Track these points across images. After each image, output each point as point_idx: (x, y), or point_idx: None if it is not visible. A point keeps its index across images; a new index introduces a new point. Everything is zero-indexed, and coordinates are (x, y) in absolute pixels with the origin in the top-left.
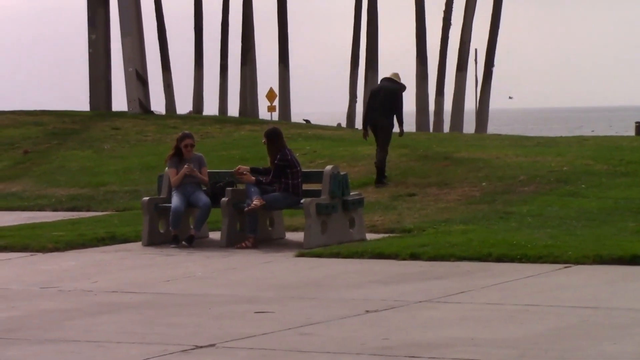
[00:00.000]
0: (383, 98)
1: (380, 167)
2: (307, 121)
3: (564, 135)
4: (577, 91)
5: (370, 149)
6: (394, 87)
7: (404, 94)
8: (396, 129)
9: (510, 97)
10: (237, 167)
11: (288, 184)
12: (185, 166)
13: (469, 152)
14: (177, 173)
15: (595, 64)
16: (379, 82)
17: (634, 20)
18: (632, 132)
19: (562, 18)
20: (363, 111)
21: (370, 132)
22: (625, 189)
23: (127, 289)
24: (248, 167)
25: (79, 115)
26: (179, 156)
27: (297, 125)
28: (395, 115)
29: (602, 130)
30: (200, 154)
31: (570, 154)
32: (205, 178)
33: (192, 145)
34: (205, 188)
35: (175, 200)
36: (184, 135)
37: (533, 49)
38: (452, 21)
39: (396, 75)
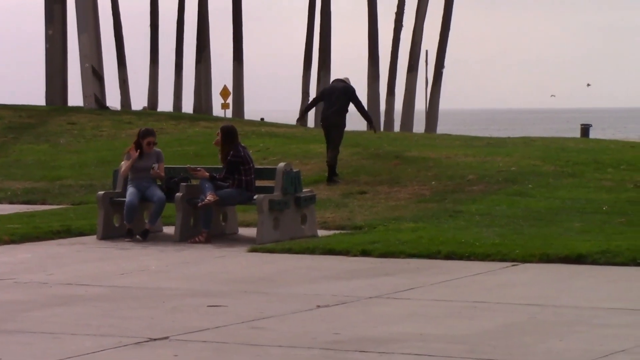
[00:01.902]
0: (337, 98)
1: (332, 165)
2: (262, 119)
3: (512, 136)
4: (526, 93)
5: (322, 147)
6: (347, 86)
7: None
8: (354, 127)
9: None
10: (196, 167)
11: (241, 180)
12: (133, 158)
13: (419, 151)
14: (126, 164)
15: (542, 67)
16: (331, 83)
17: (577, 28)
18: (577, 134)
19: (508, 22)
20: (310, 101)
21: (309, 126)
22: (571, 189)
23: (82, 281)
24: (206, 174)
25: (35, 110)
26: (137, 149)
27: (251, 122)
28: (359, 111)
29: (546, 132)
30: (159, 150)
31: (518, 154)
32: (162, 174)
33: (154, 143)
34: (160, 183)
35: (130, 195)
36: (147, 132)
37: (482, 52)
38: (404, 23)
39: (346, 79)
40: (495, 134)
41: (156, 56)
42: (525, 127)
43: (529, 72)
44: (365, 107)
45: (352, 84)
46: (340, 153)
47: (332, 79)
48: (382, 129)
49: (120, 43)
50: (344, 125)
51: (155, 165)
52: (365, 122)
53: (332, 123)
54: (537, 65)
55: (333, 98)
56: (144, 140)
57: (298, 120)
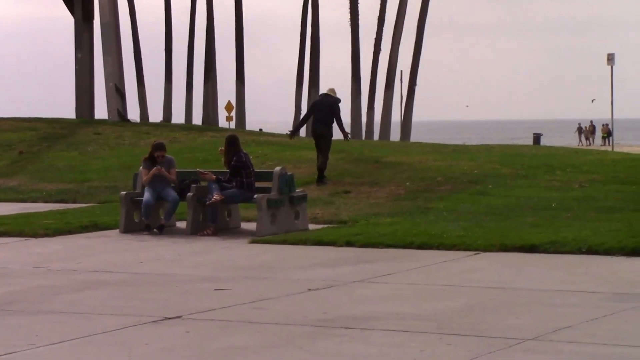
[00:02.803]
0: (324, 113)
1: (322, 169)
2: (261, 130)
3: (475, 143)
4: (486, 106)
5: (312, 154)
6: (333, 100)
7: (340, 105)
8: (339, 135)
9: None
10: (206, 171)
11: (243, 182)
12: (155, 168)
13: (395, 157)
14: (148, 173)
15: (501, 84)
16: (319, 96)
17: (526, 50)
18: (530, 142)
19: (473, 46)
20: (302, 117)
21: (300, 138)
22: (526, 189)
23: (107, 269)
24: (213, 177)
25: (66, 122)
26: (152, 160)
27: (251, 132)
28: (337, 125)
29: (503, 140)
30: (171, 157)
31: (480, 159)
32: (173, 177)
33: (163, 156)
34: (173, 185)
35: (146, 195)
36: (157, 146)
37: (449, 72)
38: (382, 47)
39: (332, 90)
40: (460, 142)
41: (170, 76)
42: (485, 135)
43: (489, 88)
44: (343, 122)
45: (338, 96)
46: (329, 159)
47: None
48: (363, 137)
49: (139, 64)
50: (331, 135)
51: (161, 167)
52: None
53: (320, 134)
54: (496, 82)
55: (321, 112)
56: (155, 153)
57: (290, 135)
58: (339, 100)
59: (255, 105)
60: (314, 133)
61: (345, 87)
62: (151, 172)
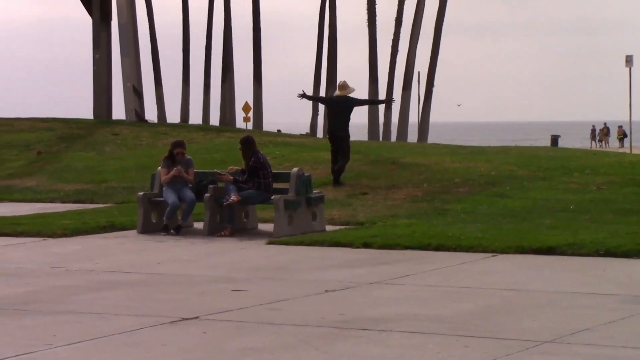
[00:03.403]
0: (339, 113)
1: (340, 171)
2: (279, 131)
3: (492, 145)
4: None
5: (329, 155)
6: (346, 99)
7: (353, 95)
8: (355, 137)
9: (459, 104)
10: (229, 168)
11: (260, 183)
12: (175, 168)
13: (412, 158)
14: (167, 173)
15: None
16: (334, 96)
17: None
18: (547, 143)
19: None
20: (318, 96)
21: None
22: (543, 191)
23: (125, 269)
24: (238, 168)
25: (84, 123)
26: (171, 159)
27: (269, 133)
28: (372, 104)
29: (521, 142)
30: (190, 157)
31: (497, 161)
32: (191, 178)
33: (183, 153)
34: (191, 186)
35: (171, 197)
36: (177, 144)
37: (466, 73)
38: (399, 49)
39: (343, 84)
40: (477, 143)
41: (187, 76)
42: (501, 136)
43: (505, 89)
44: (367, 120)
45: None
46: (349, 159)
47: None
48: (380, 138)
49: (157, 65)
50: (349, 137)
51: (180, 167)
52: (365, 134)
53: (338, 137)
54: (512, 84)
55: (336, 112)
56: (174, 150)
57: (301, 95)
58: (351, 93)
59: (272, 106)
60: (331, 135)
61: (362, 88)
62: (171, 172)
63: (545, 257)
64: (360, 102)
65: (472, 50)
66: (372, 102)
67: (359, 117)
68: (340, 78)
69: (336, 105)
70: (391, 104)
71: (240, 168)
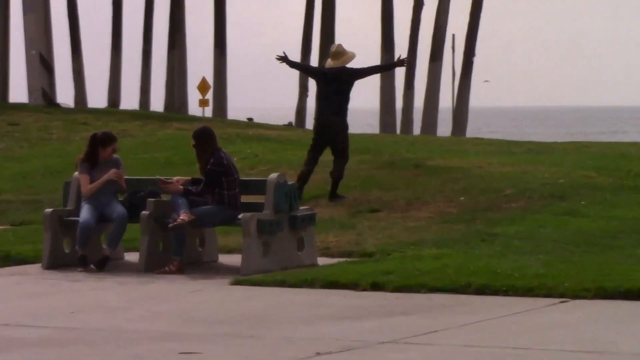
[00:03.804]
0: (332, 92)
1: (337, 177)
2: (251, 119)
3: (559, 140)
4: (567, 89)
5: (324, 154)
6: (341, 71)
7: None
8: (360, 129)
9: (486, 81)
10: (173, 179)
11: (223, 195)
12: (113, 170)
13: (444, 159)
14: (89, 181)
15: (589, 61)
16: (325, 66)
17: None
18: (632, 137)
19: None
20: (303, 65)
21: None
22: (634, 206)
23: (23, 321)
24: (188, 178)
25: None
26: (92, 159)
27: (236, 123)
28: (380, 72)
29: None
30: (117, 156)
31: (567, 163)
32: (124, 185)
33: (114, 152)
34: (122, 199)
35: (85, 213)
36: (109, 137)
37: (517, 38)
38: (425, 1)
39: (338, 51)
40: (537, 137)
41: (119, 41)
42: (571, 127)
43: (560, 67)
44: (379, 104)
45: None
46: (348, 162)
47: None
48: (398, 131)
49: (75, 25)
50: (346, 127)
51: (121, 170)
52: (376, 125)
53: (330, 127)
54: (569, 59)
55: (327, 91)
56: (105, 149)
57: (281, 58)
58: (349, 63)
59: (241, 85)
60: (320, 125)
61: (372, 57)
62: (104, 177)
63: (638, 303)
64: (364, 72)
65: (520, 13)
66: (381, 68)
67: (365, 100)
68: (340, 39)
69: (328, 80)
70: (403, 61)
71: (189, 178)
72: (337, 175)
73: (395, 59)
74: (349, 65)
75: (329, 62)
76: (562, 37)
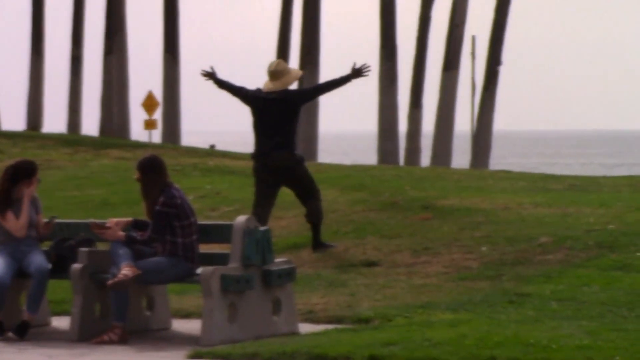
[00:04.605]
0: (270, 123)
1: (316, 221)
2: (213, 146)
3: (608, 174)
4: (609, 109)
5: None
6: (283, 96)
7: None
8: (354, 158)
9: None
10: (109, 221)
11: (176, 244)
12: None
13: (461, 197)
14: (14, 216)
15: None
16: (260, 91)
17: None
18: None
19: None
20: (229, 83)
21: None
22: None
23: None
24: (129, 220)
25: None
26: (7, 197)
27: (193, 151)
28: (334, 87)
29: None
30: (35, 195)
31: (619, 203)
32: (44, 230)
33: (34, 183)
34: (47, 249)
35: None
36: (30, 165)
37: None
38: None
39: (278, 69)
40: (580, 170)
41: (40, 43)
42: (622, 156)
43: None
44: (377, 127)
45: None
46: (337, 202)
47: (320, 79)
48: (401, 161)
49: None
50: (301, 161)
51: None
52: (373, 152)
53: (278, 168)
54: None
55: (266, 122)
56: (26, 182)
57: (206, 74)
58: (291, 84)
59: (200, 102)
60: (263, 165)
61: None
62: (26, 204)
63: None
64: (312, 93)
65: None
66: (332, 84)
67: (359, 121)
68: (326, 49)
69: (268, 106)
70: (360, 71)
71: (130, 220)
72: (315, 219)
73: (351, 68)
74: (292, 86)
75: (267, 84)
76: (599, 42)
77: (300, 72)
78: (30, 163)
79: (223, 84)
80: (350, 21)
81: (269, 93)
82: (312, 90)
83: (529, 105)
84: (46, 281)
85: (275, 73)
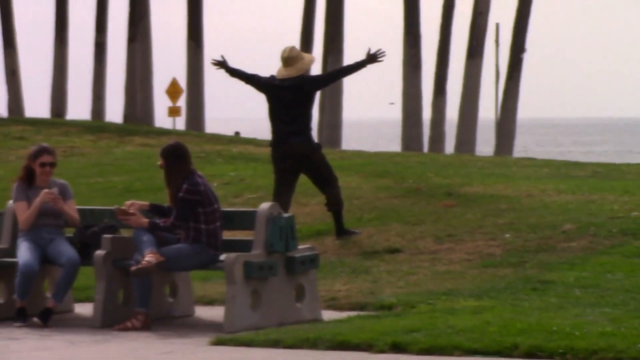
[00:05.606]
0: (288, 109)
1: (337, 209)
2: (238, 134)
3: (633, 161)
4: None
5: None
6: (297, 83)
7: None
8: (377, 146)
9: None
10: (125, 204)
11: (199, 231)
12: (45, 191)
13: (484, 185)
14: (28, 207)
15: None
16: (274, 78)
17: None
18: None
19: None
20: (240, 71)
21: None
22: None
23: None
24: (145, 204)
25: None
26: (29, 183)
27: (216, 138)
28: (348, 73)
29: None
30: (64, 181)
31: None
32: (76, 215)
33: (52, 165)
34: (71, 235)
35: (25, 253)
36: (41, 149)
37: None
38: None
39: (291, 54)
40: (604, 157)
41: (64, 31)
42: (622, 143)
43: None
44: (400, 115)
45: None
46: (361, 189)
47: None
48: (425, 148)
49: (7, 12)
50: (318, 147)
51: (55, 190)
52: (397, 140)
53: (297, 155)
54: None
55: (281, 108)
56: (35, 162)
57: (217, 63)
58: (306, 70)
59: (223, 89)
60: (280, 150)
61: (392, 54)
62: (36, 201)
63: None
64: (326, 79)
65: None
66: (347, 70)
67: (383, 109)
68: (350, 36)
69: (283, 93)
70: (375, 57)
71: (146, 204)
72: (335, 207)
73: (366, 54)
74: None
75: (281, 71)
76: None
77: (313, 58)
78: (45, 146)
79: (235, 72)
80: (374, 8)
81: (283, 80)
82: (327, 76)
83: (554, 93)
84: (76, 273)
85: (288, 59)
